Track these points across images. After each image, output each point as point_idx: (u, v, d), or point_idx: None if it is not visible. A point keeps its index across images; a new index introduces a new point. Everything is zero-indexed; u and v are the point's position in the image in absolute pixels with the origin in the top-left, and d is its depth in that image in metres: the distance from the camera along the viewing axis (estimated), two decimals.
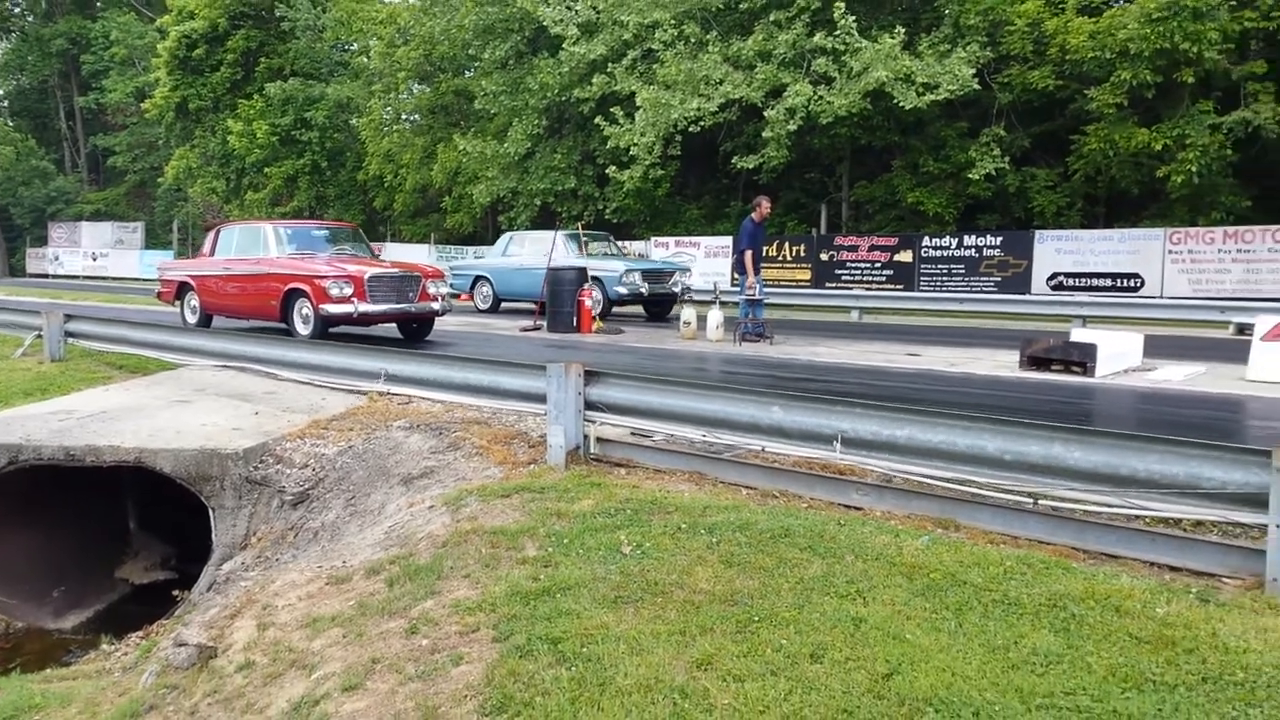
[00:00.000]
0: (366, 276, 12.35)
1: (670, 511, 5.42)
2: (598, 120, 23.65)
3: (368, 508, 6.96)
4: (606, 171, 24.24)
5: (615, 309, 17.81)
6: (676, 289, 18.38)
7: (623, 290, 17.20)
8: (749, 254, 13.04)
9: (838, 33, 20.43)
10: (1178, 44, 17.97)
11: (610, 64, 23.60)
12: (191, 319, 14.53)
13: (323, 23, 37.55)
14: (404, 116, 35.77)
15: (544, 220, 28.84)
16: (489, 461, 6.99)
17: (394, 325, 13.70)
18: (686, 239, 25.92)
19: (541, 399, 7.04)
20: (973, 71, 20.13)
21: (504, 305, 19.98)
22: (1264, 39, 19.65)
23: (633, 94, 22.66)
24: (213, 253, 14.41)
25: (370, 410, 8.67)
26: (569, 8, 24.29)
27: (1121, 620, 3.93)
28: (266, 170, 37.21)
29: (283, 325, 12.91)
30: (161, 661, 5.27)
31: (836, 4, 20.48)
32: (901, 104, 20.04)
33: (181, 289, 14.82)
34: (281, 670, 4.38)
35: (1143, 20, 18.26)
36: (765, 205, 13.61)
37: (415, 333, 13.81)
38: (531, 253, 18.88)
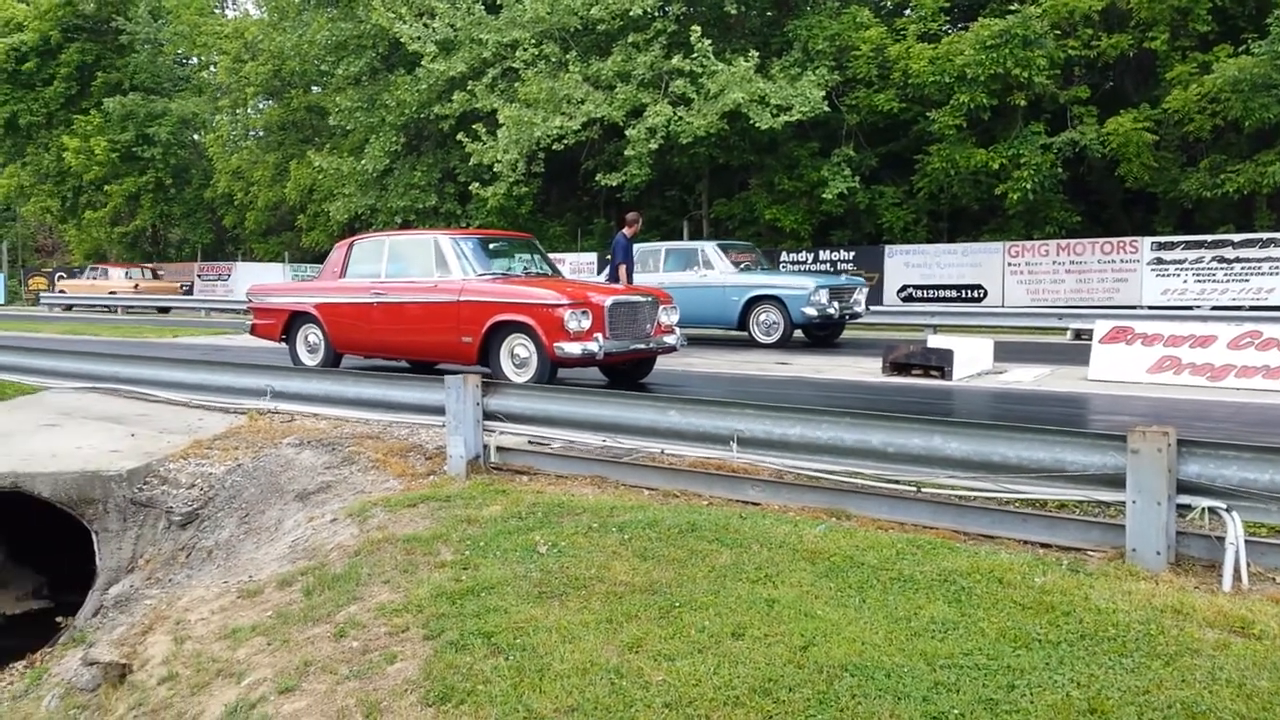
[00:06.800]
0: (608, 304, 9.68)
1: (579, 513, 5.63)
2: (460, 137, 23.66)
3: (263, 525, 6.92)
4: (470, 188, 24.24)
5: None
6: (859, 308, 15.63)
7: (811, 312, 14.29)
8: (623, 268, 13.37)
9: (694, 56, 21.05)
10: (1010, 69, 19.30)
11: (470, 81, 23.64)
12: (310, 359, 11.41)
13: (163, 36, 36.29)
14: (252, 132, 34.89)
15: None
16: (387, 474, 7.05)
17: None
18: (553, 255, 26.11)
19: (438, 411, 7.15)
20: (822, 94, 21.06)
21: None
22: (1086, 65, 21.31)
23: (494, 111, 22.77)
24: (343, 273, 11.25)
25: (253, 429, 8.58)
26: (426, 25, 24.23)
27: (1005, 590, 4.35)
28: (106, 188, 35.76)
29: (476, 369, 9.71)
30: (64, 684, 5.18)
31: (692, 28, 21.13)
32: (757, 125, 20.76)
33: (294, 320, 11.58)
34: (208, 679, 4.40)
35: (978, 47, 19.53)
36: (638, 222, 14.00)
37: (631, 374, 10.83)
38: (684, 266, 15.76)
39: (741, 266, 15.57)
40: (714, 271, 15.27)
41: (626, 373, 10.79)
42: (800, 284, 14.62)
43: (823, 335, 15.63)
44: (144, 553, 7.32)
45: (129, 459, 7.80)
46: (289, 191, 30.93)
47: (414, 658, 4.15)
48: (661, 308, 10.43)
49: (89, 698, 4.90)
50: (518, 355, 9.77)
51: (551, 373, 9.50)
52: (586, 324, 9.40)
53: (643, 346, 10.16)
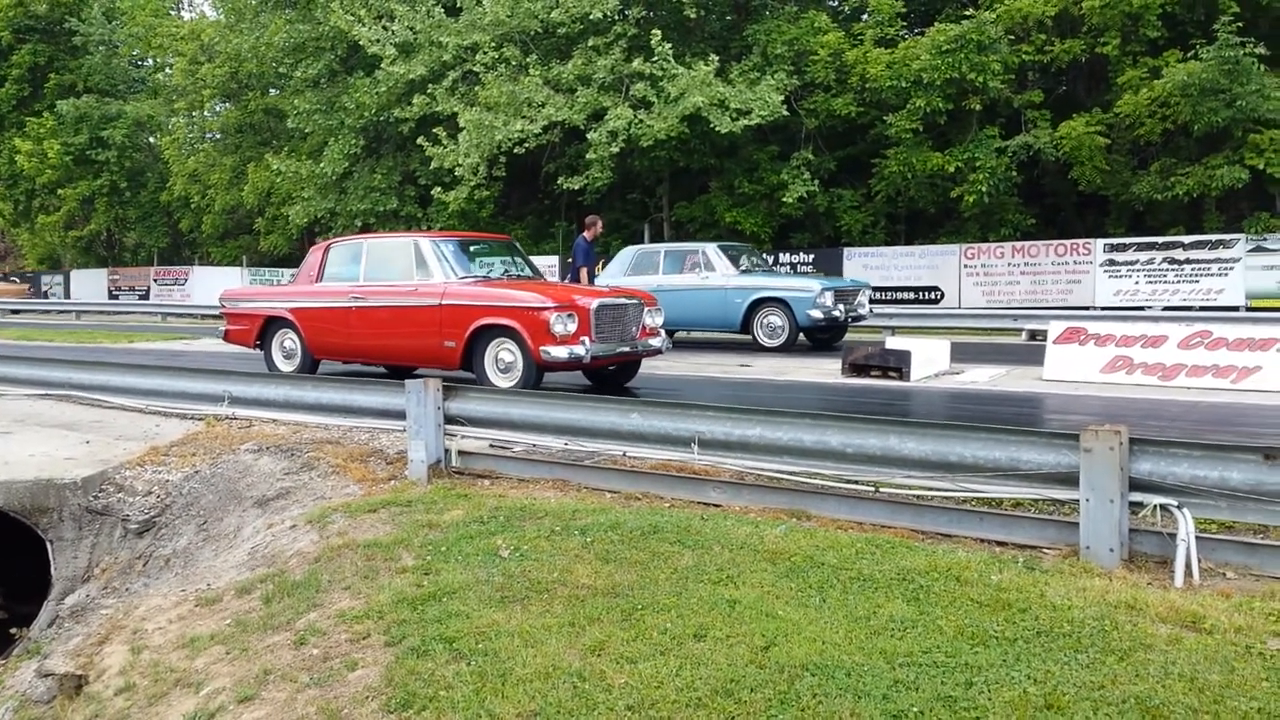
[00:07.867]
0: (594, 307, 9.51)
1: (541, 516, 5.63)
2: (420, 140, 23.53)
3: (222, 532, 6.85)
4: (432, 192, 24.13)
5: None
6: (863, 310, 15.37)
7: (817, 315, 13.98)
8: (583, 271, 13.37)
9: (654, 59, 21.09)
10: (965, 74, 19.53)
11: (430, 85, 23.53)
12: (286, 365, 11.11)
13: (118, 38, 35.78)
14: (209, 135, 34.48)
15: None
16: (347, 479, 7.01)
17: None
18: None
19: (399, 415, 7.13)
20: (781, 98, 21.16)
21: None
22: (1039, 70, 21.61)
23: (455, 115, 22.68)
24: (320, 276, 11.02)
25: (211, 435, 8.48)
26: (385, 28, 24.08)
27: (963, 588, 4.41)
28: (60, 192, 35.17)
29: (458, 374, 9.69)
30: (18, 697, 5.10)
31: (653, 32, 21.18)
32: (717, 128, 20.82)
33: (270, 325, 11.29)
34: (166, 690, 4.36)
35: (934, 52, 19.76)
36: (598, 225, 14.01)
37: (615, 377, 10.71)
38: (683, 268, 15.36)
39: (742, 268, 15.29)
40: (715, 274, 14.94)
41: (611, 376, 10.64)
42: (805, 286, 14.39)
43: (825, 338, 15.30)
44: (100, 561, 7.23)
45: (84, 466, 7.69)
46: (246, 195, 30.61)
47: (375, 664, 4.13)
48: (646, 310, 10.23)
49: (44, 710, 4.83)
50: (502, 360, 9.53)
51: (537, 377, 9.32)
52: (572, 327, 9.21)
53: (628, 349, 10.00)
